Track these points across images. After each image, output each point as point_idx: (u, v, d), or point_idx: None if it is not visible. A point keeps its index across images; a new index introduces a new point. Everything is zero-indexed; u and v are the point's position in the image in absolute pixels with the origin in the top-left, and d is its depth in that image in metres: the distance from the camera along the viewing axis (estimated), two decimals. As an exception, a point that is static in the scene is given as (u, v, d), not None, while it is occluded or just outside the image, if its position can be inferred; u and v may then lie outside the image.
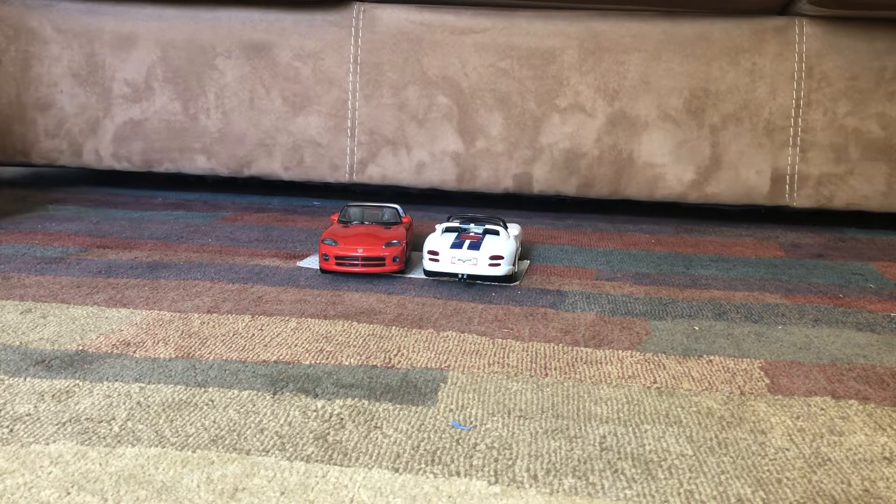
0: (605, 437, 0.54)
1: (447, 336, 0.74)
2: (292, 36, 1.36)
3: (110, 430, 0.54)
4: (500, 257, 0.90)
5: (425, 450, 0.52)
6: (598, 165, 1.33)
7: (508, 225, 1.01)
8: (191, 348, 0.69)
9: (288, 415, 0.56)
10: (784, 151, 1.30)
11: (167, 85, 1.40)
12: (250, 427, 0.54)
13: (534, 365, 0.67)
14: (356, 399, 0.59)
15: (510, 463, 0.50)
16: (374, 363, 0.67)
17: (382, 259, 0.93)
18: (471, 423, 0.56)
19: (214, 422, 0.55)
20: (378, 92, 1.36)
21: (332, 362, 0.67)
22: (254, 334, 0.73)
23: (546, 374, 0.65)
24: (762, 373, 0.67)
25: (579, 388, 0.63)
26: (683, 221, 1.38)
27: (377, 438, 0.53)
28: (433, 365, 0.67)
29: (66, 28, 1.41)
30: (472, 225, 0.98)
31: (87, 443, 0.52)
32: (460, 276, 0.91)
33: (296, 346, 0.70)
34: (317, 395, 0.60)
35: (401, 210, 1.04)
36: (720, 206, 1.39)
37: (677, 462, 0.51)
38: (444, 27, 1.33)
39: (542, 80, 1.32)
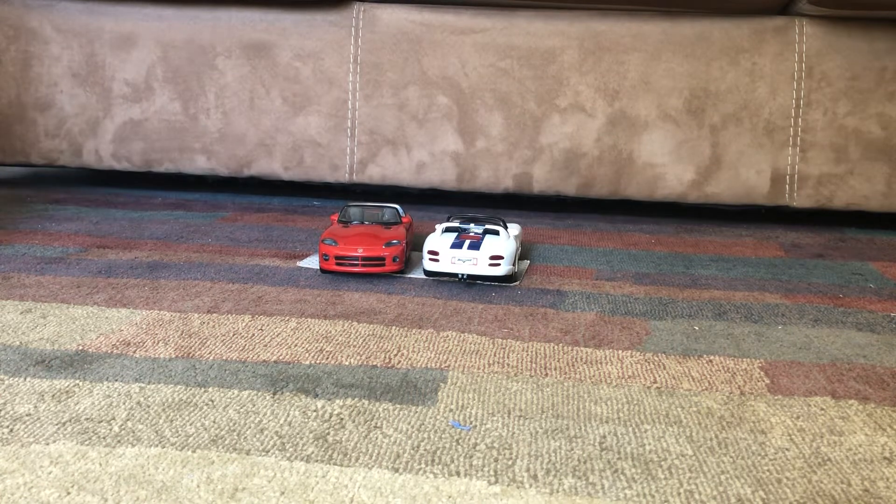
0: (605, 437, 0.54)
1: (447, 336, 0.74)
2: (292, 36, 1.36)
3: (110, 430, 0.54)
4: (500, 257, 0.90)
5: (425, 450, 0.52)
6: (598, 165, 1.33)
7: (508, 225, 1.01)
8: (191, 348, 0.69)
9: (288, 415, 0.56)
10: (784, 151, 1.30)
11: (167, 85, 1.40)
12: (250, 427, 0.54)
13: (534, 365, 0.67)
14: (356, 399, 0.59)
15: (510, 463, 0.50)
16: (374, 363, 0.67)
17: (382, 259, 0.93)
18: (471, 423, 0.56)
19: (214, 422, 0.55)
20: (378, 92, 1.36)
21: (332, 362, 0.67)
22: (254, 334, 0.73)
23: (546, 374, 0.65)
24: (762, 373, 0.67)
25: (579, 388, 0.63)
26: (683, 221, 1.38)
27: (377, 438, 0.53)
28: (433, 365, 0.67)
29: (66, 28, 1.41)
30: (472, 225, 0.98)
31: (87, 443, 0.52)
32: (460, 276, 0.91)
33: (296, 346, 0.70)
34: (317, 395, 0.60)
35: (401, 210, 1.04)
36: (720, 206, 1.39)
37: (677, 462, 0.51)
38: (444, 27, 1.33)
39: (542, 80, 1.32)
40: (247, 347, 0.70)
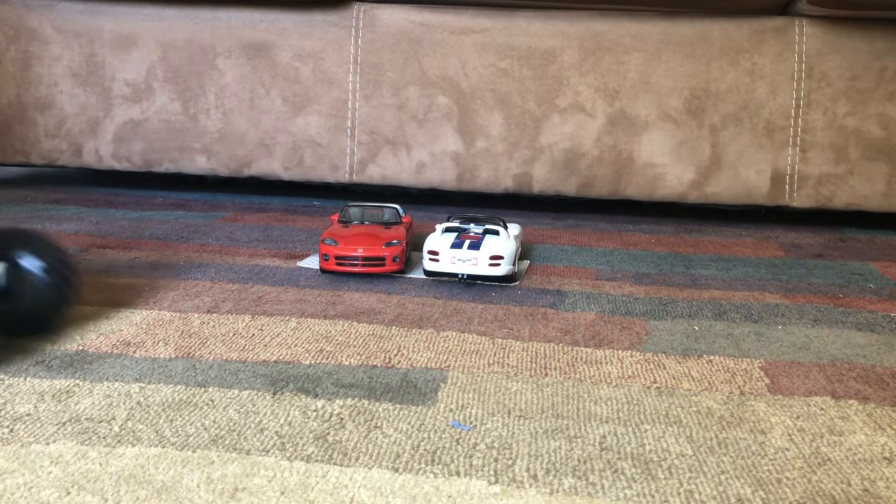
0: (605, 436, 0.54)
1: (447, 336, 0.74)
2: (292, 36, 1.36)
3: (110, 429, 0.54)
4: (500, 257, 0.90)
5: (425, 450, 0.52)
6: (598, 165, 1.33)
7: (508, 225, 1.01)
8: (191, 348, 0.69)
9: (288, 415, 0.56)
10: (784, 151, 1.30)
11: (167, 85, 1.40)
12: (250, 427, 0.54)
13: (534, 365, 0.67)
14: (356, 399, 0.59)
15: (510, 463, 0.50)
16: (374, 363, 0.67)
17: (382, 259, 0.93)
18: (471, 422, 0.56)
19: (214, 422, 0.55)
20: (378, 92, 1.36)
21: (332, 362, 0.67)
22: (254, 334, 0.73)
23: (546, 374, 0.65)
24: (762, 373, 0.67)
25: (579, 387, 0.63)
26: (683, 221, 1.38)
27: (377, 438, 0.53)
28: (433, 365, 0.67)
29: (66, 28, 1.41)
30: (472, 225, 0.98)
31: (87, 443, 0.52)
32: (460, 276, 0.91)
33: (296, 346, 0.70)
34: (317, 395, 0.60)
35: (401, 210, 1.04)
36: (720, 206, 1.39)
37: (677, 462, 0.51)
38: (444, 27, 1.33)
39: (542, 80, 1.32)
40: (247, 347, 0.70)
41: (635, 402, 0.60)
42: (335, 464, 0.50)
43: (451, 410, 0.58)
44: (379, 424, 0.55)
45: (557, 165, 1.33)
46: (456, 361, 0.67)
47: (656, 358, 0.70)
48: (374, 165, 1.37)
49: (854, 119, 1.28)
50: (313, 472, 0.49)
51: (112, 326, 0.74)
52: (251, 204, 1.41)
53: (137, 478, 0.48)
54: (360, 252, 0.92)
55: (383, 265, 0.93)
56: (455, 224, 0.98)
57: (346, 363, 0.66)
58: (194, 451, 0.51)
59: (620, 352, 0.71)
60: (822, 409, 0.60)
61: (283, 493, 0.46)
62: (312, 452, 0.51)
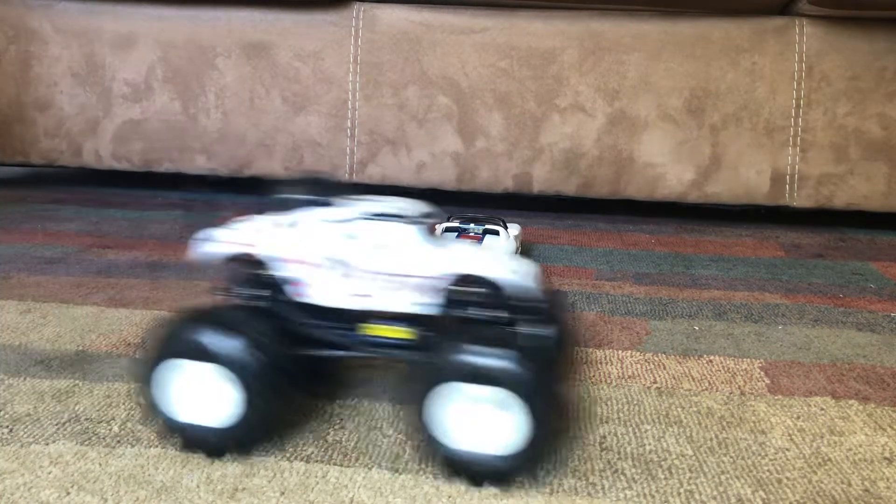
0: (605, 437, 0.54)
1: (447, 336, 0.74)
2: (292, 36, 1.36)
3: (110, 430, 0.53)
4: (500, 257, 0.90)
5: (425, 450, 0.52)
6: (598, 165, 1.33)
7: (508, 225, 1.01)
8: (191, 348, 0.69)
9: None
10: (784, 151, 1.30)
11: (167, 85, 1.40)
12: (250, 427, 0.54)
13: (534, 365, 0.67)
14: (356, 399, 0.59)
15: (510, 463, 0.50)
16: (374, 363, 0.67)
17: (382, 259, 0.92)
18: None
19: (214, 422, 0.55)
20: (378, 92, 1.36)
21: (332, 362, 0.66)
22: (254, 334, 0.73)
23: (546, 374, 0.65)
24: (762, 373, 0.67)
25: (579, 388, 0.63)
26: (683, 221, 1.38)
27: (377, 438, 0.53)
28: (433, 365, 0.66)
29: (66, 28, 1.41)
30: (472, 225, 0.98)
31: (86, 443, 0.52)
32: (460, 276, 0.91)
33: (296, 346, 0.70)
34: (316, 395, 0.60)
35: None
36: (720, 206, 1.38)
37: (677, 462, 0.51)
38: (444, 27, 1.33)
39: (542, 80, 1.32)
40: (247, 347, 0.69)
41: (635, 402, 0.60)
42: (335, 464, 0.50)
43: (451, 410, 0.58)
44: (379, 425, 0.55)
45: (557, 165, 1.33)
46: (456, 361, 0.67)
47: (656, 358, 0.70)
48: (374, 165, 1.37)
49: (854, 119, 1.28)
50: (313, 472, 0.49)
51: (112, 326, 0.74)
52: (251, 204, 1.41)
53: (137, 478, 0.47)
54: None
55: (383, 265, 0.93)
56: (455, 224, 0.98)
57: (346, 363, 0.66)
58: (194, 451, 0.51)
59: (620, 352, 0.71)
60: (822, 409, 0.60)
61: (282, 493, 0.46)
62: (312, 452, 0.51)
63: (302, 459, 0.50)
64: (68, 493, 0.46)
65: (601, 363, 0.68)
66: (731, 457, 0.52)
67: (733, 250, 1.15)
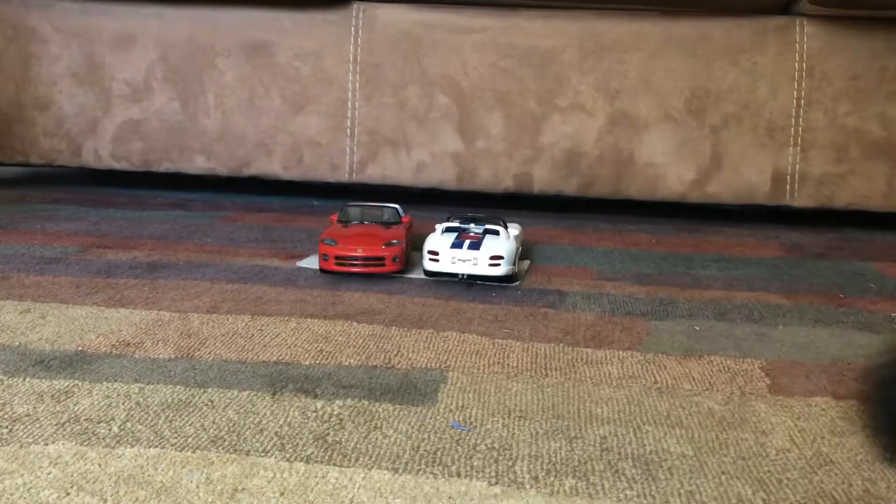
0: (605, 437, 0.54)
1: (447, 336, 0.74)
2: (292, 36, 1.36)
3: (109, 430, 0.53)
4: (500, 257, 0.90)
5: (425, 450, 0.52)
6: (598, 165, 1.32)
7: (508, 225, 1.01)
8: (190, 348, 0.69)
9: (287, 415, 0.56)
10: (785, 151, 1.30)
11: (166, 85, 1.40)
12: (250, 427, 0.54)
13: (534, 365, 0.67)
14: (356, 399, 0.59)
15: (510, 463, 0.50)
16: (374, 363, 0.66)
17: (382, 259, 0.92)
18: (471, 423, 0.56)
19: (214, 422, 0.55)
20: (378, 92, 1.35)
21: (332, 362, 0.66)
22: (253, 334, 0.73)
23: (546, 375, 0.65)
24: (763, 373, 0.67)
25: (580, 388, 0.63)
26: (684, 221, 1.38)
27: (377, 439, 0.53)
28: (433, 365, 0.66)
29: (66, 28, 1.41)
30: (472, 225, 0.98)
31: (86, 443, 0.51)
32: (460, 276, 0.91)
33: (295, 346, 0.70)
34: (316, 396, 0.60)
35: (401, 210, 1.04)
36: (721, 206, 1.38)
37: (678, 462, 0.51)
38: (444, 27, 1.33)
39: (543, 79, 1.32)
40: (246, 348, 0.69)
41: (636, 402, 0.60)
42: (335, 464, 0.50)
43: (451, 411, 0.58)
44: (379, 425, 0.55)
45: (558, 165, 1.33)
46: (456, 362, 0.67)
47: (657, 358, 0.70)
48: (374, 165, 1.37)
49: (855, 119, 1.28)
50: (313, 472, 0.49)
51: (111, 326, 0.74)
52: (251, 204, 1.41)
53: (137, 478, 0.47)
54: (359, 252, 0.92)
55: (383, 265, 0.93)
56: (455, 224, 0.98)
57: (346, 363, 0.66)
58: (194, 452, 0.51)
59: (621, 352, 0.71)
60: (823, 409, 0.60)
61: (282, 493, 0.46)
62: (312, 453, 0.51)
63: (302, 459, 0.50)
64: (68, 494, 0.45)
65: (602, 363, 0.68)
66: (732, 457, 0.52)
67: (734, 250, 1.15)
